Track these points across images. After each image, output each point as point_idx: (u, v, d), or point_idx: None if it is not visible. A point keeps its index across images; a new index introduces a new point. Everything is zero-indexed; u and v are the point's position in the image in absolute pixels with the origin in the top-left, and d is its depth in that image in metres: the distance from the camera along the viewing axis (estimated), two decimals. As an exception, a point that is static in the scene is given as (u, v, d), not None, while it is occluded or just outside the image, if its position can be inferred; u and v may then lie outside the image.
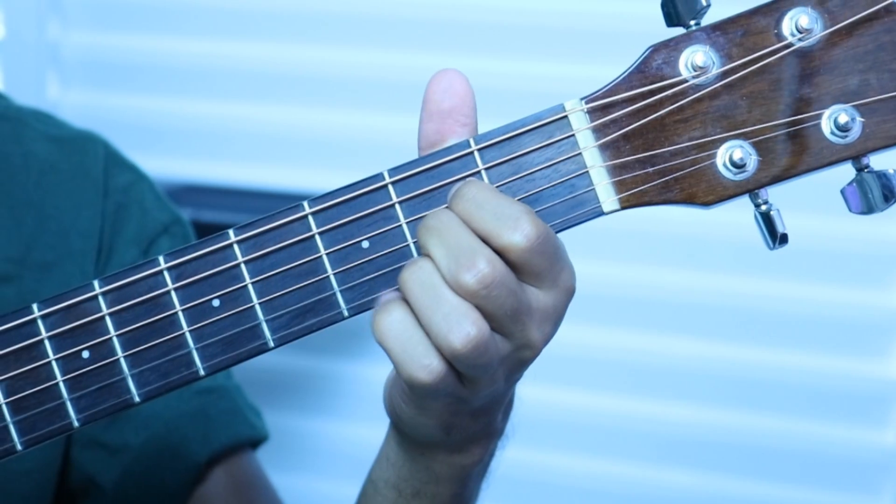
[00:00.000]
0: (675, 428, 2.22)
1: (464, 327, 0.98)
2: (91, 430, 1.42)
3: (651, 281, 2.20)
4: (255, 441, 1.50)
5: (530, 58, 2.21)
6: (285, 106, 2.35)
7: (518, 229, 0.99)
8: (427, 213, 1.03)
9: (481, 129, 1.05)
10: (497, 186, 1.03)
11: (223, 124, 2.38)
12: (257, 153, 2.36)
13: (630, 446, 2.24)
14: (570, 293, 1.04)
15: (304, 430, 2.34)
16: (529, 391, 2.21)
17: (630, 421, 2.24)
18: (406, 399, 1.08)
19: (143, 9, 2.40)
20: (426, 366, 1.00)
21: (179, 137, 2.39)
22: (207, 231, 1.55)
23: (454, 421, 1.09)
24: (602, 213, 1.03)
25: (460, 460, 1.15)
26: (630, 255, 2.21)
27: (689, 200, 1.02)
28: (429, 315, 0.99)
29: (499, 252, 0.99)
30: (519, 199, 1.03)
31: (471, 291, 0.98)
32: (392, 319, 1.00)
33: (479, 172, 1.03)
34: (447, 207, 1.01)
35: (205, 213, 2.27)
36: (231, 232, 1.03)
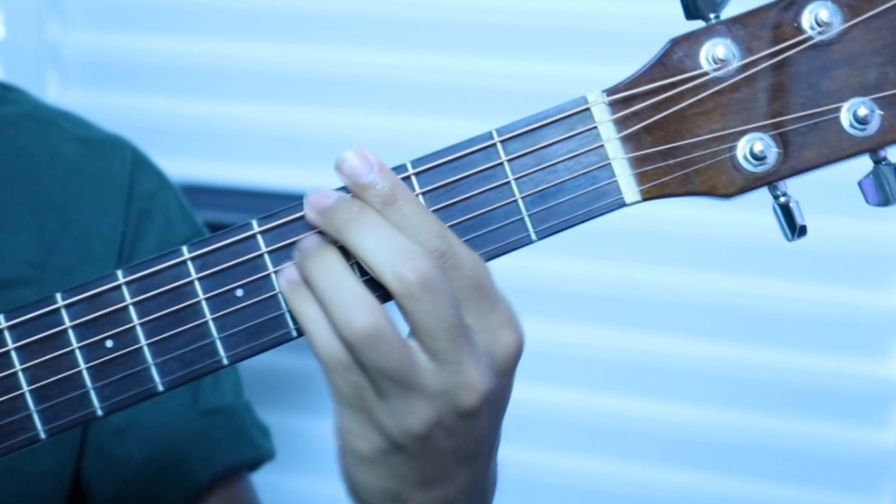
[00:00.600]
0: (675, 428, 2.22)
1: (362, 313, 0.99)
2: (99, 438, 1.43)
3: (651, 281, 2.21)
4: (258, 462, 1.50)
5: (533, 58, 2.21)
6: (285, 106, 2.35)
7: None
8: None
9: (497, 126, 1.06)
10: (519, 178, 1.04)
11: (223, 124, 2.37)
12: (258, 153, 2.36)
13: (630, 446, 2.25)
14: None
15: (304, 430, 2.34)
16: (530, 391, 2.21)
17: (630, 421, 2.24)
18: (350, 459, 1.06)
19: (143, 9, 2.40)
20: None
21: (180, 137, 2.38)
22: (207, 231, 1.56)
23: (400, 490, 1.06)
24: (624, 205, 1.04)
25: None
26: (630, 255, 2.21)
27: (710, 192, 1.04)
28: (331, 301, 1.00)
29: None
30: (541, 191, 1.04)
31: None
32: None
33: (501, 164, 1.04)
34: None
35: (205, 213, 2.27)
36: (255, 222, 1.04)
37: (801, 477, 2.18)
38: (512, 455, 2.29)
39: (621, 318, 2.23)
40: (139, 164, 1.49)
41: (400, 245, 0.99)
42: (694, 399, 2.21)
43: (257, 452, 1.48)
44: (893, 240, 2.11)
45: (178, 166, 2.34)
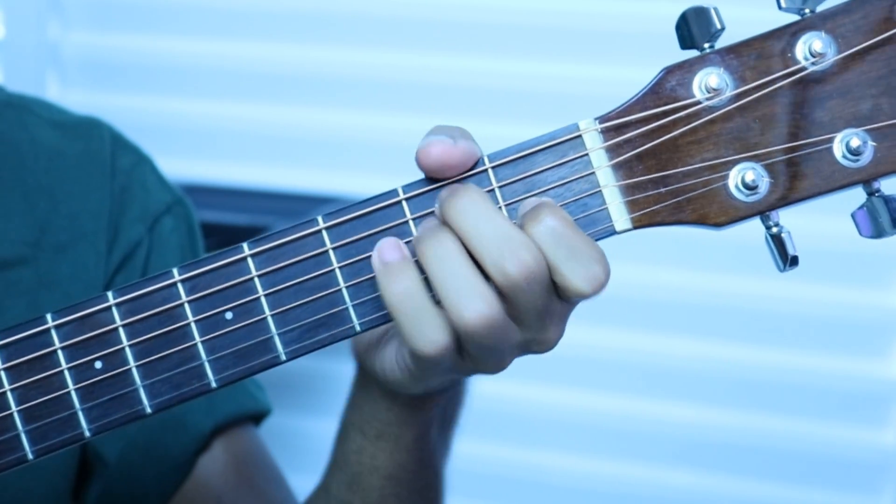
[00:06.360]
0: (675, 428, 2.23)
1: (476, 304, 0.99)
2: None
3: (651, 281, 2.21)
4: (258, 414, 1.52)
5: (534, 58, 2.21)
6: (286, 106, 2.35)
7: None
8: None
9: (494, 131, 1.05)
10: (510, 204, 1.04)
11: (223, 124, 2.38)
12: (258, 153, 2.36)
13: (630, 446, 2.25)
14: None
15: (304, 430, 2.35)
16: (530, 391, 2.21)
17: (630, 421, 2.24)
18: (404, 367, 1.09)
19: (143, 9, 2.40)
20: (434, 341, 1.00)
21: (179, 137, 2.38)
22: (207, 230, 1.56)
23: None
24: (614, 233, 1.04)
25: (421, 405, 1.18)
26: (630, 255, 2.20)
27: (701, 221, 1.03)
28: (445, 287, 0.99)
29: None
30: None
31: (512, 281, 0.99)
32: (402, 288, 1.01)
33: (492, 190, 1.03)
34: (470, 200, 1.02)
35: (205, 213, 2.27)
36: (245, 245, 1.04)
37: (801, 477, 2.18)
38: (512, 455, 2.30)
39: (621, 318, 2.23)
40: (117, 143, 1.52)
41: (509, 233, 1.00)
42: (694, 399, 2.22)
43: (255, 403, 1.50)
44: (894, 240, 2.10)
45: (179, 166, 2.34)
